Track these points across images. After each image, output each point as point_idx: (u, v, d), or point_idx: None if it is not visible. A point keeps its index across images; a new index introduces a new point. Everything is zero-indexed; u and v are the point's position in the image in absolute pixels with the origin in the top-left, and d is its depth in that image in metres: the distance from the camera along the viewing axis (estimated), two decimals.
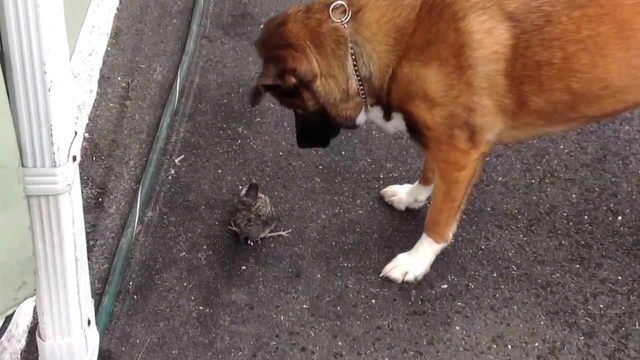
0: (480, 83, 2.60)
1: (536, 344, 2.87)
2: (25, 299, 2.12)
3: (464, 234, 3.23)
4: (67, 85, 1.98)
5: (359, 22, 2.66)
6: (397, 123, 2.83)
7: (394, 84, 2.69)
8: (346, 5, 2.67)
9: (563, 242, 3.23)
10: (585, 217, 3.33)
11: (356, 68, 2.70)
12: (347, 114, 2.83)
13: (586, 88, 2.62)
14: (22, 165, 1.97)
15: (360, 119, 2.87)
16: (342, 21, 2.66)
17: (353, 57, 2.68)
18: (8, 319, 2.22)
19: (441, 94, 2.63)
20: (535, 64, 2.58)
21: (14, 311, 2.17)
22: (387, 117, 2.84)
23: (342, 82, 2.72)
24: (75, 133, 2.07)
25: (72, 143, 2.04)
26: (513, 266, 3.14)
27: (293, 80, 2.70)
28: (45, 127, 1.93)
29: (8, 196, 1.93)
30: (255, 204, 3.13)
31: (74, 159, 2.05)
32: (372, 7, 2.67)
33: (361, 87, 2.73)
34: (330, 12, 2.67)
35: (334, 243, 3.22)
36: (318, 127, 2.93)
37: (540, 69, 2.59)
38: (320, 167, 3.53)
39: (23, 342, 2.75)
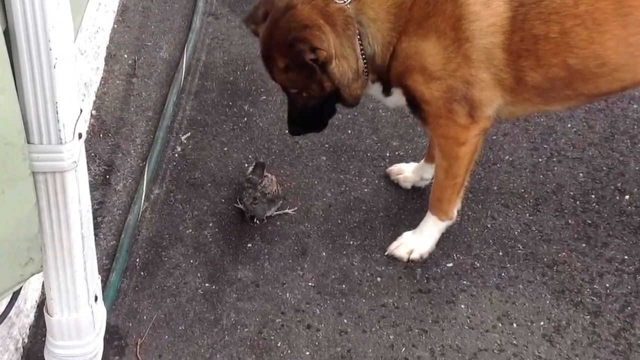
0: (478, 56, 2.59)
1: (541, 323, 2.88)
2: (32, 275, 2.13)
3: (469, 213, 3.23)
4: (72, 62, 1.98)
5: (362, 2, 2.64)
6: (396, 98, 2.82)
7: (394, 60, 2.68)
8: None
9: (569, 221, 3.22)
10: (592, 196, 3.32)
11: (362, 48, 2.68)
12: (357, 93, 2.81)
13: (583, 65, 2.61)
14: (28, 142, 1.97)
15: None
16: (345, 2, 2.63)
17: (359, 37, 2.66)
18: (16, 294, 2.24)
19: (439, 67, 2.62)
20: (532, 37, 2.56)
21: (21, 287, 2.19)
22: (387, 92, 2.83)
23: (353, 63, 2.70)
24: (81, 110, 2.07)
25: (77, 120, 2.04)
26: (519, 245, 3.13)
27: (325, 54, 2.61)
28: (50, 104, 1.93)
29: (14, 173, 1.93)
30: (261, 183, 3.13)
31: (80, 136, 2.06)
32: None
33: (366, 66, 2.72)
34: None
35: (339, 221, 3.23)
36: (320, 110, 2.89)
37: (538, 43, 2.57)
38: (327, 145, 3.52)
39: (32, 317, 2.77)
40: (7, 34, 1.83)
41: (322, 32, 2.62)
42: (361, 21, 2.65)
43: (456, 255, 3.10)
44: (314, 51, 2.60)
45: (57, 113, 1.95)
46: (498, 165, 3.44)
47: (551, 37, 2.56)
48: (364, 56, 2.69)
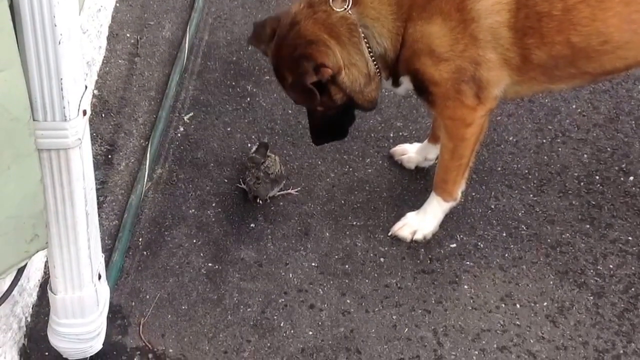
0: (484, 36, 2.58)
1: (545, 304, 2.88)
2: (37, 251, 2.13)
3: (473, 194, 3.22)
4: (77, 38, 1.96)
5: (362, 5, 2.65)
6: (406, 86, 2.83)
7: (402, 48, 2.68)
8: None
9: (573, 202, 3.22)
10: (597, 177, 3.31)
11: (370, 49, 2.69)
12: (372, 96, 2.83)
13: (586, 42, 2.60)
14: (33, 119, 1.96)
15: None
16: (346, 9, 2.65)
17: (365, 40, 2.68)
18: (20, 272, 2.23)
19: (447, 49, 2.61)
20: (536, 14, 2.56)
21: (26, 264, 2.18)
22: (396, 84, 2.83)
23: (363, 67, 2.72)
24: (86, 87, 2.06)
25: (82, 97, 2.03)
26: (523, 226, 3.13)
27: (330, 71, 2.66)
28: (55, 80, 1.92)
29: (19, 149, 1.92)
30: (264, 162, 3.12)
31: (84, 113, 2.05)
32: None
33: (376, 66, 2.73)
34: (332, 3, 2.65)
35: (342, 202, 3.22)
36: (339, 120, 2.92)
37: (541, 21, 2.57)
38: None
39: (35, 296, 2.77)
40: (12, 9, 1.82)
41: (327, 46, 2.65)
42: (365, 24, 2.67)
43: (460, 236, 3.09)
44: (317, 71, 2.64)
45: (61, 90, 1.94)
46: (502, 146, 3.44)
47: (554, 14, 2.56)
48: (373, 57, 2.71)
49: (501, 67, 2.65)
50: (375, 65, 2.73)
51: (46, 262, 2.77)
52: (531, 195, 3.24)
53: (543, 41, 2.60)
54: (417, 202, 3.15)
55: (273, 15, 2.86)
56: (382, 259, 3.01)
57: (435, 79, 2.68)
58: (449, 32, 2.59)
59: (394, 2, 2.63)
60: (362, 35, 2.67)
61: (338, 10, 2.65)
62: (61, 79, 1.93)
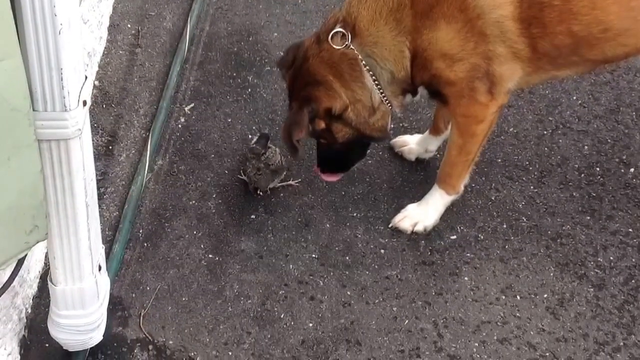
0: (492, 31, 2.59)
1: (545, 296, 2.87)
2: (37, 242, 2.12)
3: (474, 185, 3.22)
4: (77, 28, 1.95)
5: (360, 37, 2.68)
6: (421, 92, 2.85)
7: (414, 60, 2.69)
8: (343, 30, 2.68)
9: (574, 194, 3.21)
10: (597, 169, 3.31)
11: (374, 79, 2.72)
12: (380, 124, 2.85)
13: (587, 31, 2.61)
14: (33, 109, 1.96)
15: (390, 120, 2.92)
16: (347, 44, 2.68)
17: (369, 71, 2.71)
18: (20, 263, 2.22)
19: (459, 49, 2.62)
20: (538, 5, 2.57)
21: (26, 255, 2.18)
22: (414, 94, 2.85)
23: (367, 101, 2.76)
24: (86, 77, 2.05)
25: (82, 87, 2.02)
26: (523, 217, 3.13)
27: (322, 125, 2.76)
28: (55, 70, 1.91)
29: (19, 139, 1.92)
30: (265, 154, 3.11)
31: (84, 103, 2.04)
32: (362, 12, 2.67)
33: (383, 94, 2.76)
34: (331, 41, 2.69)
35: (343, 193, 3.22)
36: (346, 154, 2.96)
37: (543, 11, 2.58)
38: None
39: (35, 287, 2.76)
40: None
41: (332, 88, 2.71)
42: (367, 53, 2.70)
43: (460, 227, 3.09)
44: (318, 115, 2.72)
45: (61, 80, 1.93)
46: (502, 137, 3.43)
47: (555, 4, 2.57)
48: (380, 87, 2.73)
49: (512, 60, 2.66)
50: (382, 93, 2.75)
51: (46, 253, 2.76)
52: (531, 187, 3.24)
53: (546, 31, 2.60)
54: (417, 194, 3.15)
55: (297, 42, 2.88)
56: (382, 251, 3.01)
57: (452, 79, 2.68)
58: (456, 33, 2.60)
59: (391, 20, 2.64)
60: (366, 67, 2.70)
61: (338, 47, 2.69)
62: (61, 69, 1.92)
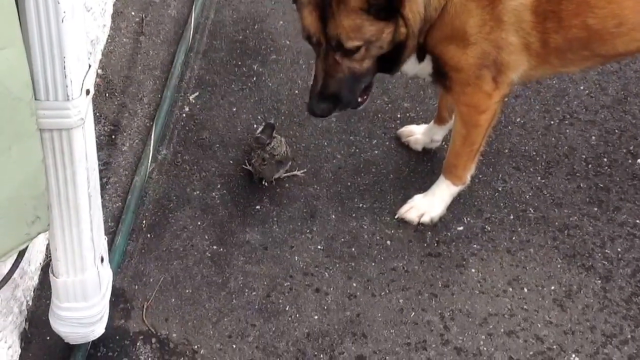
0: (508, 18, 2.56)
1: (552, 287, 2.85)
2: (39, 234, 2.10)
3: (480, 176, 3.19)
4: (80, 16, 1.93)
5: None
6: (423, 66, 2.75)
7: (437, 24, 2.57)
8: None
9: (581, 185, 3.19)
10: (605, 159, 3.28)
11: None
12: (410, 52, 2.64)
13: (601, 25, 2.61)
14: (35, 99, 1.94)
15: None
16: None
17: None
18: (21, 254, 2.21)
19: (476, 31, 2.58)
20: None
21: (27, 247, 2.16)
22: (422, 58, 2.70)
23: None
24: (89, 66, 2.03)
25: (85, 76, 2.01)
26: (530, 209, 3.10)
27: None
28: (58, 59, 1.90)
29: (21, 128, 1.90)
30: (270, 144, 3.09)
31: (87, 92, 2.02)
32: None
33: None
34: None
35: (349, 183, 3.19)
36: (361, 78, 2.63)
37: (561, 4, 2.57)
38: None
39: (36, 280, 2.74)
40: None
41: None
42: None
43: (467, 218, 3.06)
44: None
45: (64, 69, 1.92)
46: (510, 127, 3.40)
47: None
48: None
49: (521, 51, 2.64)
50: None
51: (48, 244, 2.74)
52: (539, 178, 3.21)
53: (561, 24, 2.59)
54: (424, 184, 3.12)
55: None
56: (388, 242, 2.99)
57: (462, 64, 2.64)
58: (481, 11, 2.55)
59: None
60: None
61: None
62: (64, 57, 1.91)
